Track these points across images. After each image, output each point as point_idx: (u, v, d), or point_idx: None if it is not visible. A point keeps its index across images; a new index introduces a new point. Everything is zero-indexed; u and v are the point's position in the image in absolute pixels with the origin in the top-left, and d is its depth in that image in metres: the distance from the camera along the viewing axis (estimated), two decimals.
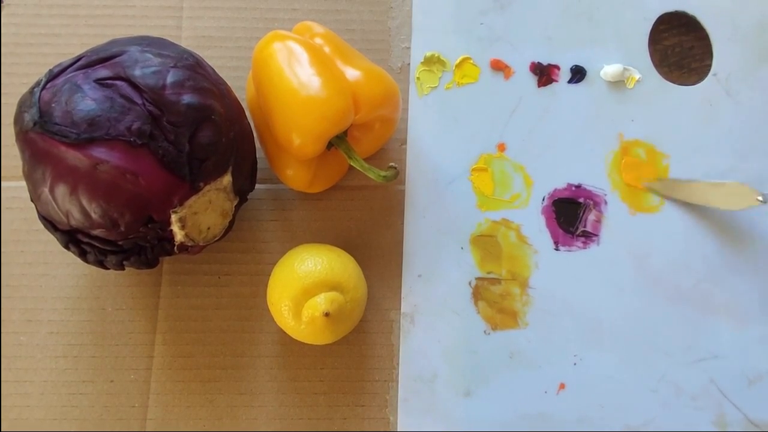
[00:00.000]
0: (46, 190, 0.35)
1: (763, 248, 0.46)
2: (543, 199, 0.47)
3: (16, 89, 0.47)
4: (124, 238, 0.36)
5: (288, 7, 0.50)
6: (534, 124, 0.48)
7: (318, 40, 0.42)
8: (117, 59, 0.36)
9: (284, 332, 0.41)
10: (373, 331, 0.45)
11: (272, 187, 0.47)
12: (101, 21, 0.49)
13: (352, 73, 0.40)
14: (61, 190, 0.35)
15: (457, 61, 0.49)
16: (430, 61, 0.49)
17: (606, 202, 0.46)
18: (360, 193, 0.47)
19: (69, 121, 0.34)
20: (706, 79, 0.49)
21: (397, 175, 0.41)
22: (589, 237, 0.46)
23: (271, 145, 0.42)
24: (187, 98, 0.36)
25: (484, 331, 0.45)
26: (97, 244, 0.37)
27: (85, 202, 0.35)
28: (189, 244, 0.39)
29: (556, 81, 0.48)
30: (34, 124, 0.35)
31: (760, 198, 0.41)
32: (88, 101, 0.35)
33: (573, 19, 0.49)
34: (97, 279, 0.45)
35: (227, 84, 0.40)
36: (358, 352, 0.44)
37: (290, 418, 0.43)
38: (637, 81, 0.48)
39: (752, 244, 0.46)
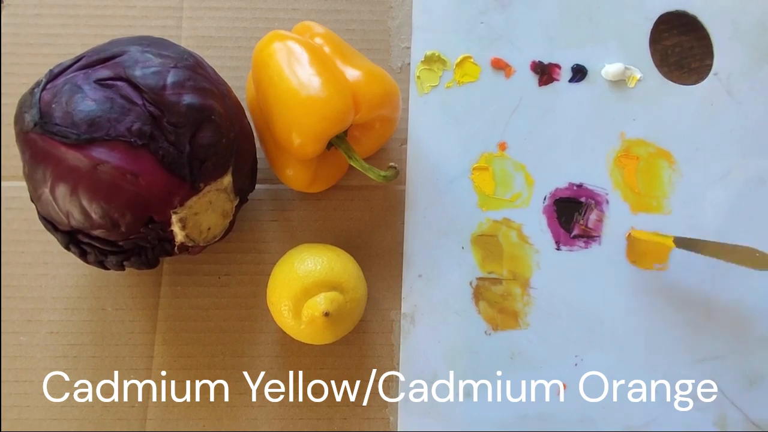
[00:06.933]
0: (47, 190, 0.35)
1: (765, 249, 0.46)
2: (544, 199, 0.46)
3: (16, 89, 0.47)
4: (124, 238, 0.36)
5: (288, 7, 0.50)
6: (535, 123, 0.48)
7: (318, 40, 0.42)
8: (117, 59, 0.36)
9: (284, 332, 0.41)
10: (373, 331, 0.45)
11: (272, 187, 0.47)
12: (101, 21, 0.49)
13: (352, 73, 0.40)
14: (62, 191, 0.35)
15: (458, 59, 0.49)
16: (431, 60, 0.49)
17: (608, 202, 0.46)
18: (360, 193, 0.47)
19: (69, 122, 0.34)
20: (707, 78, 0.48)
21: (397, 175, 0.41)
22: (590, 237, 0.46)
23: (271, 145, 0.42)
24: (187, 99, 0.36)
25: (485, 332, 0.44)
26: (98, 245, 0.37)
27: (85, 203, 0.35)
28: (189, 245, 0.39)
29: (557, 80, 0.48)
30: (35, 124, 0.35)
31: None
32: (88, 102, 0.34)
33: (574, 19, 0.49)
34: (97, 279, 0.45)
35: (227, 84, 0.40)
36: (358, 352, 0.44)
37: (290, 418, 0.43)
38: (639, 80, 0.48)
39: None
